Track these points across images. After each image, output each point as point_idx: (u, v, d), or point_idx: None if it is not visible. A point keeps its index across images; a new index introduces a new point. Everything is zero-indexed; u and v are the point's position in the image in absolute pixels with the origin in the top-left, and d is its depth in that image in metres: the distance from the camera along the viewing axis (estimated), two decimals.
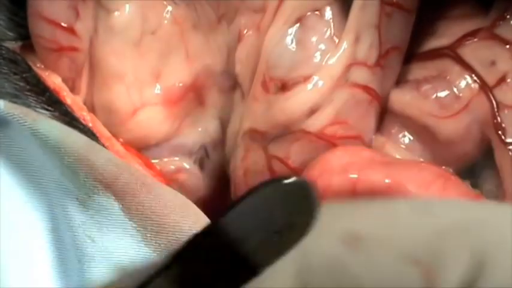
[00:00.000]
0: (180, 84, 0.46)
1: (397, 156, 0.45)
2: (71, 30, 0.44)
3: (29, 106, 0.41)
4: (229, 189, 0.48)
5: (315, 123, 0.44)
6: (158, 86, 0.46)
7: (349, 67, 0.43)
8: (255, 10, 0.46)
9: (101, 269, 0.38)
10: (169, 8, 0.45)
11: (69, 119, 0.41)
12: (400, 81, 0.46)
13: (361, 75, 0.44)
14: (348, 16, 0.44)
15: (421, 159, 0.45)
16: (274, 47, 0.44)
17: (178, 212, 0.38)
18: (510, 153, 0.42)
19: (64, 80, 0.44)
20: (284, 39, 0.44)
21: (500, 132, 0.43)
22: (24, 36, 0.44)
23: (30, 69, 0.43)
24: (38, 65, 0.44)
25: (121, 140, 0.44)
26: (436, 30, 0.46)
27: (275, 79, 0.44)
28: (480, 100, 0.43)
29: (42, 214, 0.39)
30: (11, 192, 0.39)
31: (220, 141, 0.48)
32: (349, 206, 0.37)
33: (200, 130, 0.47)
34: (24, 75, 0.42)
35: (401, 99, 0.45)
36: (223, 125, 0.48)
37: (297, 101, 0.44)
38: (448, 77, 0.44)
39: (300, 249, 0.30)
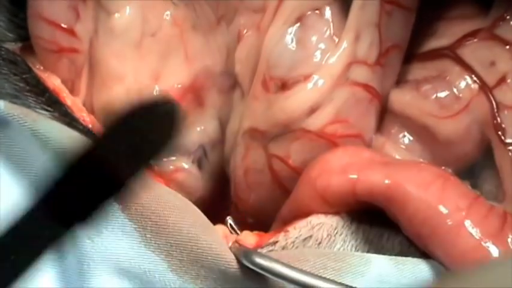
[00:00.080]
0: (179, 86, 0.46)
1: (397, 157, 0.45)
2: (70, 31, 0.44)
3: (28, 107, 0.41)
4: (228, 189, 0.48)
5: (315, 122, 0.44)
6: (157, 88, 0.45)
7: (349, 66, 0.43)
8: (255, 10, 0.46)
9: (100, 269, 0.38)
10: (169, 8, 0.45)
11: (69, 119, 0.41)
12: (400, 81, 0.46)
13: (361, 73, 0.44)
14: (348, 15, 0.44)
15: (421, 160, 0.45)
16: (274, 47, 0.44)
17: (177, 212, 0.38)
18: (510, 153, 0.42)
19: (63, 81, 0.44)
20: (284, 38, 0.44)
21: (500, 132, 0.42)
22: (24, 37, 0.44)
23: (30, 70, 0.43)
24: (38, 66, 0.44)
25: None
26: (436, 31, 0.46)
27: (275, 78, 0.44)
28: (480, 100, 0.43)
29: None
30: (10, 193, 0.39)
31: (219, 141, 0.48)
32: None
33: (199, 130, 0.47)
34: (24, 76, 0.42)
35: (401, 99, 0.45)
36: (222, 124, 0.48)
37: (297, 100, 0.44)
38: (448, 78, 0.44)
39: None
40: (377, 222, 0.41)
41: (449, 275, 0.38)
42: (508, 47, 0.43)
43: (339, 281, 0.38)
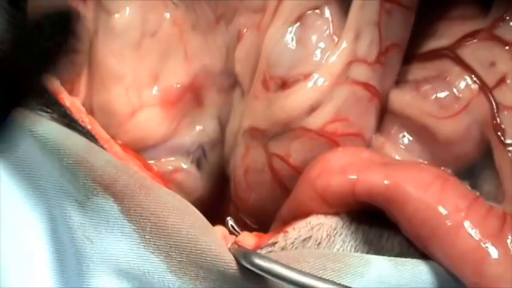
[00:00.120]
0: (178, 85, 0.46)
1: (396, 157, 0.45)
2: None
3: (28, 108, 0.41)
4: (227, 189, 0.48)
5: (315, 121, 0.44)
6: (156, 87, 0.45)
7: (349, 64, 0.43)
8: (255, 10, 0.46)
9: (99, 270, 0.39)
10: (169, 9, 0.45)
11: (68, 120, 0.41)
12: (400, 81, 0.46)
13: (361, 72, 0.44)
14: (348, 14, 0.44)
15: (420, 160, 0.45)
16: (275, 46, 0.44)
17: (176, 213, 0.38)
18: (509, 154, 0.42)
19: (63, 82, 0.44)
20: (284, 37, 0.44)
21: (499, 133, 0.42)
22: None
23: None
24: None
25: (119, 141, 0.44)
26: (436, 31, 0.46)
27: (275, 77, 0.44)
28: (480, 101, 0.43)
29: (41, 215, 0.39)
30: (10, 194, 0.39)
31: (219, 141, 0.48)
32: None
33: (198, 130, 0.47)
34: None
35: (401, 99, 0.45)
36: (222, 124, 0.48)
37: (297, 99, 0.44)
38: (447, 78, 0.44)
39: None
40: (376, 222, 0.41)
41: None
42: (507, 47, 0.43)
43: (338, 282, 0.38)
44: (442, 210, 0.39)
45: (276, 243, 0.41)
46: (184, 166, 0.46)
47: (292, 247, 0.41)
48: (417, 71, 0.46)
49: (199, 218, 0.40)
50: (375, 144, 0.45)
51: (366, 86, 0.44)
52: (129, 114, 0.45)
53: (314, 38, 0.44)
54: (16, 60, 0.31)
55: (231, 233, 0.44)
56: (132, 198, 0.38)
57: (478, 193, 0.42)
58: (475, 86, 0.44)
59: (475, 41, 0.44)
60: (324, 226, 0.41)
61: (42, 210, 0.39)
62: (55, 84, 0.43)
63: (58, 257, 0.39)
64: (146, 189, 0.38)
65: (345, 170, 0.41)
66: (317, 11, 0.44)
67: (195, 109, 0.47)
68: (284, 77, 0.44)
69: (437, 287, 0.39)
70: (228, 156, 0.48)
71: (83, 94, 0.45)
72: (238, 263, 0.38)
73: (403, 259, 0.40)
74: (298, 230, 0.41)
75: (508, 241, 0.38)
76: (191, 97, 0.46)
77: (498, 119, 0.43)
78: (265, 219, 0.46)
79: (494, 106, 0.43)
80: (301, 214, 0.42)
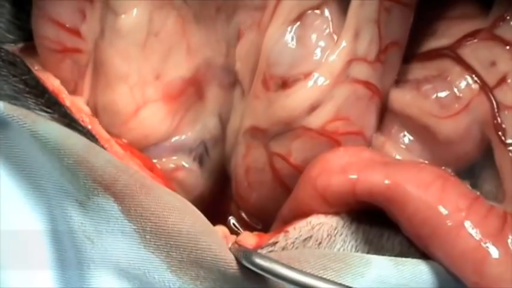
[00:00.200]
0: (181, 79, 0.46)
1: (397, 156, 0.45)
2: (76, 32, 0.44)
3: (28, 108, 0.41)
4: (228, 186, 0.48)
5: (316, 120, 0.44)
6: (159, 83, 0.45)
7: (349, 63, 0.43)
8: (255, 8, 0.46)
9: (100, 271, 0.39)
10: (175, 8, 0.45)
11: (69, 120, 0.41)
12: (400, 80, 0.46)
13: (361, 70, 0.44)
14: (347, 12, 0.44)
15: (421, 160, 0.45)
16: (274, 45, 0.44)
17: (177, 213, 0.38)
18: (510, 153, 0.42)
19: (66, 82, 0.44)
20: (284, 37, 0.44)
21: (500, 132, 0.42)
22: (24, 39, 0.45)
23: (29, 71, 0.43)
24: (36, 68, 0.44)
25: (124, 140, 0.44)
26: (436, 31, 0.46)
27: (275, 77, 0.44)
28: (480, 100, 0.43)
29: (41, 215, 0.39)
30: (10, 194, 0.39)
31: (220, 138, 0.48)
32: None
33: (200, 126, 0.47)
34: (23, 77, 0.42)
35: (402, 98, 0.45)
36: (223, 122, 0.48)
37: (297, 98, 0.44)
38: (448, 77, 0.44)
39: None
40: (377, 222, 0.41)
41: None
42: (508, 47, 0.43)
43: (339, 281, 0.38)
44: (443, 210, 0.39)
45: (276, 242, 0.41)
46: (186, 165, 0.46)
47: (293, 247, 0.41)
48: (417, 71, 0.45)
49: (199, 217, 0.40)
50: (375, 144, 0.45)
51: (366, 84, 0.44)
52: (133, 112, 0.45)
53: (314, 37, 0.44)
54: None
55: (233, 232, 0.44)
56: (133, 198, 0.38)
57: (478, 193, 0.42)
58: (475, 86, 0.44)
59: (475, 40, 0.44)
60: (324, 226, 0.41)
61: (43, 210, 0.39)
62: (55, 84, 0.43)
63: (58, 257, 0.39)
64: (146, 189, 0.38)
65: (345, 169, 0.41)
66: (316, 10, 0.44)
67: (197, 103, 0.47)
68: (284, 77, 0.44)
69: (438, 286, 0.39)
70: (229, 155, 0.48)
71: (87, 94, 0.45)
72: (238, 262, 0.38)
73: (404, 259, 0.40)
74: (298, 229, 0.41)
75: (509, 241, 0.38)
76: (193, 91, 0.46)
77: (499, 119, 0.43)
78: (266, 219, 0.46)
79: (495, 106, 0.43)
80: (302, 214, 0.42)
